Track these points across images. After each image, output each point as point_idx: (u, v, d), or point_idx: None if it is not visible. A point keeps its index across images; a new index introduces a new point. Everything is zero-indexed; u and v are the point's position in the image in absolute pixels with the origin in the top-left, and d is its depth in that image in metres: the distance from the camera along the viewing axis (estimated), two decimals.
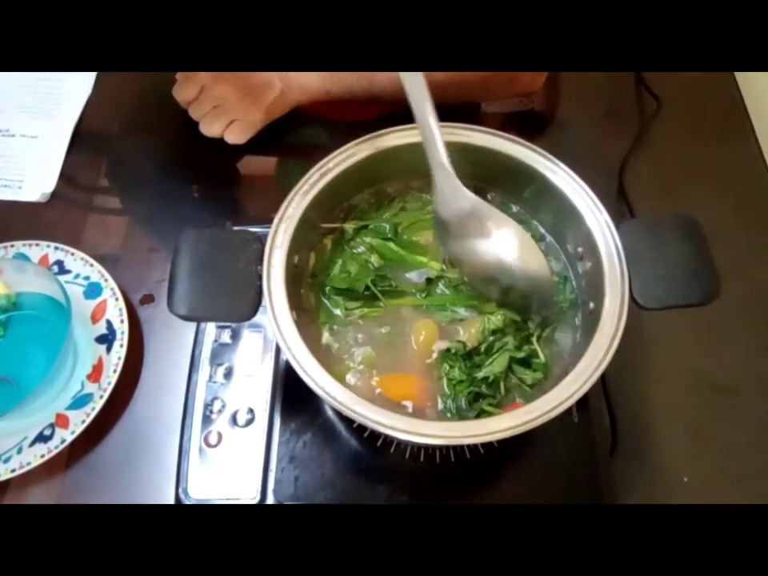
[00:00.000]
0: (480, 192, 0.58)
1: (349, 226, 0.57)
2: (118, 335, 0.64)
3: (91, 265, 0.68)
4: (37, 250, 0.69)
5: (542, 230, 0.57)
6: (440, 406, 0.51)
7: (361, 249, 0.57)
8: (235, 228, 0.64)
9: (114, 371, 0.62)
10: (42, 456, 0.58)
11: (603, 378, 0.59)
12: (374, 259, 0.56)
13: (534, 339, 0.52)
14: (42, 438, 0.59)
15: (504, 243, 0.50)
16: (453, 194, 0.50)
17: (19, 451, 0.59)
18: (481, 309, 0.54)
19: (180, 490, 0.56)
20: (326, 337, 0.53)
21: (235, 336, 0.62)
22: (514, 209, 0.58)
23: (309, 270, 0.55)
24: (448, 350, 0.52)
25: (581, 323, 0.52)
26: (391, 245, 0.56)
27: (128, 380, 0.64)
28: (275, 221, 0.51)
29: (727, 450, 0.63)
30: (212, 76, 0.75)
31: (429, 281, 0.55)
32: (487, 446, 0.48)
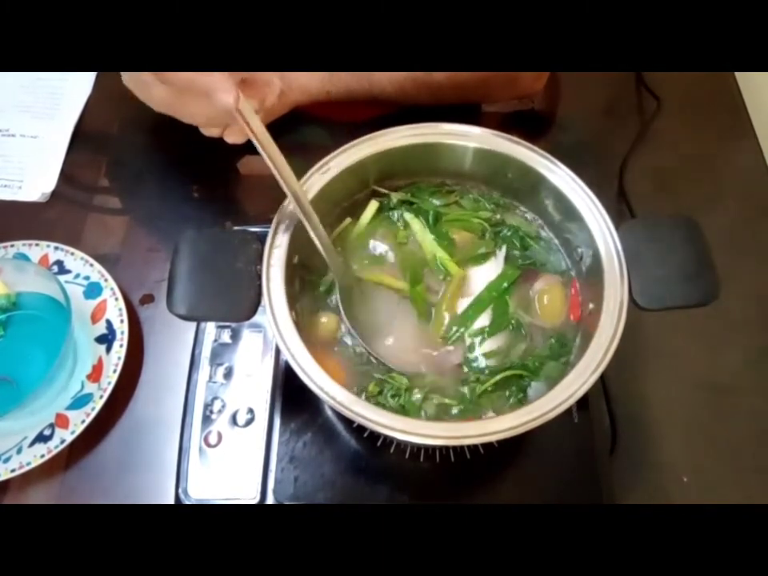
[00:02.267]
0: (478, 193, 0.59)
1: (396, 196, 0.58)
2: (118, 335, 0.64)
3: (91, 265, 0.68)
4: (37, 249, 0.69)
5: (542, 230, 0.57)
6: None
7: (396, 216, 0.58)
8: (235, 228, 0.64)
9: (114, 371, 0.62)
10: (42, 456, 0.58)
11: (603, 378, 0.59)
12: (401, 235, 0.57)
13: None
14: (41, 438, 0.59)
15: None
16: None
17: (19, 451, 0.59)
18: None
19: (180, 490, 0.56)
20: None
21: (235, 336, 0.62)
22: (514, 209, 0.58)
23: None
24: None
25: (580, 323, 0.52)
26: (426, 231, 0.57)
27: (128, 380, 0.64)
28: (275, 221, 0.51)
29: (727, 450, 0.63)
30: None
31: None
32: (487, 446, 0.48)
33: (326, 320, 0.53)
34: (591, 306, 0.51)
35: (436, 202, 0.58)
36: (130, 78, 0.64)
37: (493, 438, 0.43)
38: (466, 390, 0.51)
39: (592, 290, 0.51)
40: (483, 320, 0.54)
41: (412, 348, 0.53)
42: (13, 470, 0.58)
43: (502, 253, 0.56)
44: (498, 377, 0.51)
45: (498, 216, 0.58)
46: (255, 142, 0.47)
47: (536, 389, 0.51)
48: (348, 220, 0.57)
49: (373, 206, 0.57)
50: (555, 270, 0.56)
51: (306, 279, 0.54)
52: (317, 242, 0.50)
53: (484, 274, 0.56)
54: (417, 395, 0.50)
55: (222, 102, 0.46)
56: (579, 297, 0.54)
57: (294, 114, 0.76)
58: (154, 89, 0.59)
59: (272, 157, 0.47)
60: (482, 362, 0.52)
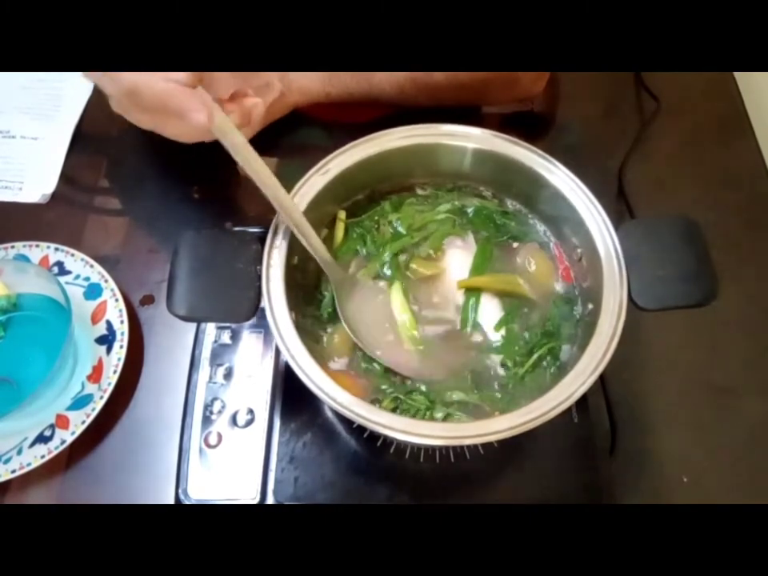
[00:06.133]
0: (478, 193, 0.59)
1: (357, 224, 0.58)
2: (118, 336, 0.64)
3: (91, 266, 0.68)
4: (37, 251, 0.69)
5: (541, 231, 0.57)
6: None
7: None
8: (235, 229, 0.64)
9: (114, 372, 0.62)
10: (42, 457, 0.58)
11: (603, 378, 0.60)
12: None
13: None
14: (42, 439, 0.59)
15: None
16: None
17: (19, 452, 0.59)
18: None
19: (180, 491, 0.56)
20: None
21: (235, 336, 0.62)
22: (513, 209, 0.58)
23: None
24: None
25: (580, 324, 0.52)
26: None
27: (128, 381, 0.64)
28: (274, 222, 0.51)
29: (727, 450, 0.63)
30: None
31: None
32: (487, 446, 0.48)
33: (337, 336, 0.54)
34: (590, 306, 0.51)
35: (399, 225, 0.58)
36: (116, 105, 0.63)
37: (492, 439, 0.43)
38: (503, 372, 0.52)
39: (592, 290, 0.51)
40: (496, 311, 0.54)
41: (435, 358, 0.53)
42: (13, 471, 0.58)
43: (469, 235, 0.57)
44: (535, 356, 0.51)
45: (457, 202, 0.58)
46: (235, 156, 0.47)
47: (566, 352, 0.52)
48: (325, 231, 0.57)
49: (341, 227, 0.57)
50: (532, 238, 0.57)
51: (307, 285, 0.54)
52: (312, 252, 0.51)
53: (460, 261, 0.56)
54: (438, 414, 0.50)
55: (195, 122, 0.46)
56: (565, 258, 0.55)
57: (293, 116, 0.76)
58: (133, 113, 0.59)
59: (255, 170, 0.47)
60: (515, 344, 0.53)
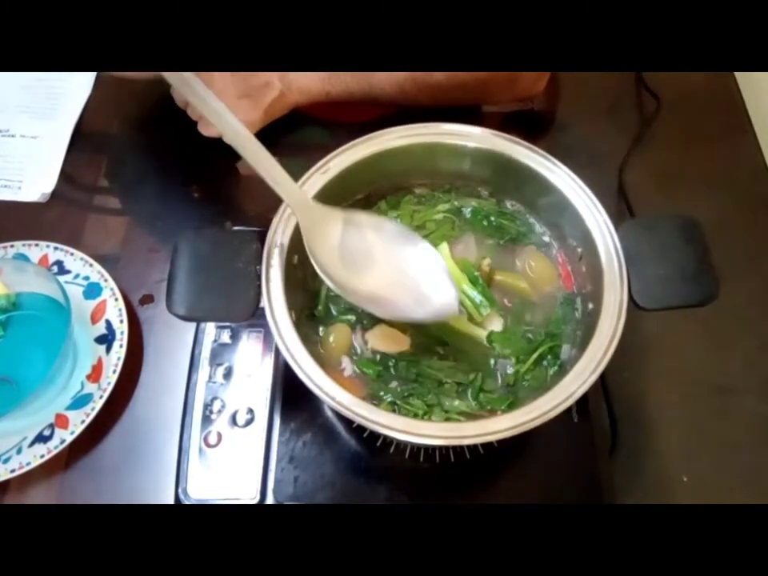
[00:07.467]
0: (476, 194, 0.59)
1: None
2: (118, 335, 0.64)
3: (91, 265, 0.68)
4: (36, 250, 0.69)
5: (541, 230, 0.57)
6: None
7: None
8: (234, 228, 0.64)
9: (114, 371, 0.62)
10: (42, 456, 0.58)
11: (603, 378, 0.59)
12: None
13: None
14: (41, 439, 0.59)
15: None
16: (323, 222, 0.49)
17: (19, 451, 0.59)
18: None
19: (180, 490, 0.56)
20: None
21: (235, 336, 0.62)
22: (513, 210, 0.58)
23: None
24: None
25: (580, 324, 0.52)
26: None
27: (128, 380, 0.64)
28: (274, 221, 0.51)
29: (727, 450, 0.63)
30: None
31: None
32: (487, 446, 0.48)
33: (333, 336, 0.53)
34: (590, 305, 0.51)
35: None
36: None
37: (492, 438, 0.43)
38: (509, 370, 0.52)
39: (592, 290, 0.51)
40: (497, 323, 0.54)
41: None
42: (13, 471, 0.58)
43: (469, 237, 0.57)
44: (536, 353, 0.51)
45: (456, 203, 0.58)
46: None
47: (566, 351, 0.52)
48: None
49: None
50: (530, 239, 0.57)
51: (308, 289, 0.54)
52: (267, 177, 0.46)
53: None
54: (435, 418, 0.50)
55: None
56: (568, 266, 0.55)
57: (293, 115, 0.76)
58: None
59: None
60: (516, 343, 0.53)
